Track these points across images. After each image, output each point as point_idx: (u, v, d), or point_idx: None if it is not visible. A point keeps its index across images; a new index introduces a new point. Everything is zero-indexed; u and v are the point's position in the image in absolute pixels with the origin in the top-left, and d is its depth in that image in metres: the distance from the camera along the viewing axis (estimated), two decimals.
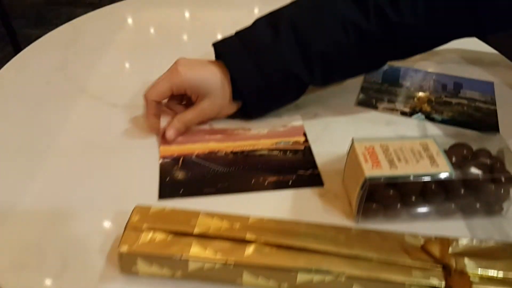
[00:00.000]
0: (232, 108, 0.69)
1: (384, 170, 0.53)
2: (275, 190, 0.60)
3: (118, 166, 0.63)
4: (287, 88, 0.68)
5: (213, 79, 0.65)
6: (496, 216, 0.57)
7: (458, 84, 0.80)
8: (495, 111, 0.74)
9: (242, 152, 0.65)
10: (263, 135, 0.68)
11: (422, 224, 0.55)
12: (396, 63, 0.84)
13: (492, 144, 0.58)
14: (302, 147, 0.66)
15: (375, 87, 0.79)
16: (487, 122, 0.72)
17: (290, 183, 0.61)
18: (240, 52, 0.65)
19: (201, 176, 0.62)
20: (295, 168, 0.63)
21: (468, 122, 0.72)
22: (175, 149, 0.65)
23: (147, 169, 0.63)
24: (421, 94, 0.77)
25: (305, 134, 0.68)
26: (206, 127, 0.69)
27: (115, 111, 0.72)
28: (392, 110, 0.74)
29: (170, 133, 0.65)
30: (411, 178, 0.52)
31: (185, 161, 0.64)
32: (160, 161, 0.63)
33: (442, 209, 0.56)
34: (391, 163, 0.54)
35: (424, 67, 0.84)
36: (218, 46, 0.68)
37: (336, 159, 0.63)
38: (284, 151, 0.66)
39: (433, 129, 0.70)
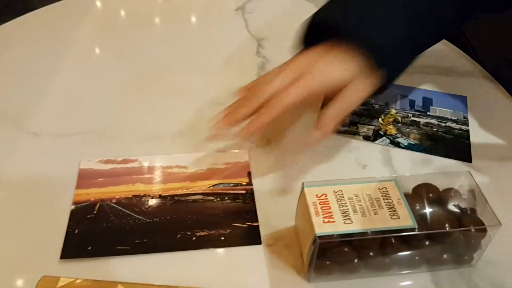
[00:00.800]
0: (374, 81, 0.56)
1: (337, 225, 0.45)
2: (204, 249, 0.50)
3: (21, 213, 0.53)
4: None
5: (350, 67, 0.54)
6: (466, 266, 0.50)
7: (428, 100, 0.69)
8: (467, 132, 0.64)
9: (173, 196, 0.55)
10: (200, 174, 0.58)
11: (383, 280, 0.49)
12: None
13: (462, 181, 0.50)
14: (243, 191, 0.56)
15: None
16: (458, 148, 0.62)
17: (222, 238, 0.51)
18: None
19: (118, 228, 0.52)
20: (232, 219, 0.53)
21: (437, 149, 0.62)
22: (93, 192, 0.55)
23: (55, 218, 0.53)
24: (386, 113, 0.67)
25: (249, 174, 0.58)
26: (135, 164, 0.59)
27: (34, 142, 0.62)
28: (354, 134, 0.63)
29: (326, 130, 0.53)
30: (368, 233, 0.45)
31: (102, 208, 0.54)
32: (72, 207, 0.54)
33: (404, 262, 0.49)
34: (345, 215, 0.46)
35: None
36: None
37: (288, 197, 0.55)
38: (222, 195, 0.56)
39: (398, 156, 0.60)
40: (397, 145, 0.62)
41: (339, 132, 0.63)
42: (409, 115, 0.66)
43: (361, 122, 0.65)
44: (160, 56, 0.76)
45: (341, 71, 0.54)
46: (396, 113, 0.66)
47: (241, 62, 0.76)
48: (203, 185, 0.57)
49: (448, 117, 0.66)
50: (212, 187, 0.57)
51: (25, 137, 0.63)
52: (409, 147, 0.62)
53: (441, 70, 0.74)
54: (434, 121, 0.66)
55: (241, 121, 0.54)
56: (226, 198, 0.55)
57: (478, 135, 0.64)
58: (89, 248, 0.50)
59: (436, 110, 0.68)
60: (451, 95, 0.70)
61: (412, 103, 0.68)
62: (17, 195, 0.56)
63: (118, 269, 0.48)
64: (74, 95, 0.69)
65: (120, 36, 0.82)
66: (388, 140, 0.63)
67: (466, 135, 0.64)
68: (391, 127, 0.65)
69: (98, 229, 0.52)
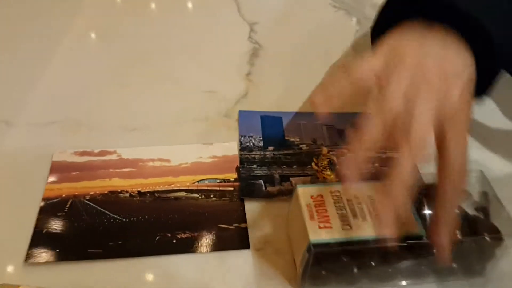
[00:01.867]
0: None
1: (334, 232, 0.40)
2: (186, 253, 0.45)
3: None
4: None
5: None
6: (477, 277, 0.44)
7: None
8: None
9: (153, 193, 0.50)
10: (184, 169, 0.53)
11: None
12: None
13: (473, 181, 0.44)
14: (231, 188, 0.51)
15: (257, 156, 0.55)
16: None
17: (207, 241, 0.46)
18: None
19: (91, 228, 0.47)
20: (217, 219, 0.48)
21: None
22: (65, 187, 0.50)
23: (22, 215, 0.48)
24: (317, 154, 0.55)
25: (238, 169, 0.53)
26: (113, 157, 0.54)
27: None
28: (290, 193, 0.46)
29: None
30: (370, 242, 0.39)
31: (74, 206, 0.49)
32: (41, 203, 0.48)
33: (409, 272, 0.44)
34: (343, 220, 0.40)
35: (288, 91, 0.62)
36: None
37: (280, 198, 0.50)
38: (207, 193, 0.51)
39: None
40: None
41: (271, 196, 0.50)
42: (344, 151, 0.53)
43: (293, 174, 0.53)
44: (147, 41, 0.71)
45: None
46: (329, 152, 0.56)
47: (232, 47, 0.70)
48: (187, 181, 0.51)
49: None
50: (196, 183, 0.51)
51: None
52: None
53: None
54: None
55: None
56: (211, 196, 0.50)
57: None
58: (57, 250, 0.45)
59: None
60: None
61: (342, 133, 0.57)
62: None
63: (89, 275, 0.43)
64: (51, 81, 0.63)
65: (105, 20, 0.76)
66: None
67: None
68: (328, 173, 0.53)
69: (69, 229, 0.46)
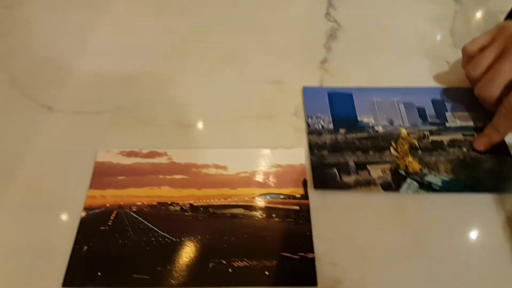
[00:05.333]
0: None
1: None
2: (242, 287, 0.39)
3: (20, 216, 0.43)
4: None
5: None
6: None
7: (439, 104, 0.52)
8: (507, 149, 0.48)
9: (207, 208, 0.44)
10: (242, 179, 0.46)
11: None
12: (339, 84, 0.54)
13: None
14: (297, 207, 0.44)
15: (327, 140, 0.49)
16: (505, 172, 0.46)
17: (267, 273, 0.39)
18: None
19: (137, 247, 0.41)
20: (280, 246, 0.41)
21: (481, 181, 0.45)
22: (109, 195, 0.45)
23: (60, 227, 0.42)
24: (396, 137, 0.49)
25: (305, 183, 0.45)
26: (163, 160, 0.47)
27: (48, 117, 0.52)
28: (369, 183, 0.45)
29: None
30: None
31: (119, 218, 0.43)
32: (83, 214, 0.43)
33: None
34: None
35: (371, 83, 0.54)
36: None
37: (358, 220, 0.42)
38: (269, 211, 0.44)
39: (437, 206, 0.44)
40: (429, 187, 0.45)
41: (347, 187, 0.45)
42: (425, 133, 0.49)
43: (370, 160, 0.47)
44: (207, 17, 0.62)
45: None
46: (408, 134, 0.49)
47: (306, 27, 0.61)
48: (246, 195, 0.45)
49: (473, 125, 0.50)
50: (257, 198, 0.44)
51: (37, 110, 0.52)
52: (445, 186, 0.45)
53: (436, 51, 0.56)
54: (459, 136, 0.49)
55: None
56: (273, 215, 0.43)
57: None
58: (98, 273, 0.39)
59: (455, 117, 0.51)
60: (464, 90, 0.53)
61: (422, 113, 0.51)
62: (15, 191, 0.45)
63: None
64: (100, 65, 0.57)
65: None
66: (416, 184, 0.45)
67: (504, 147, 0.48)
68: (410, 159, 0.47)
69: (112, 248, 0.41)
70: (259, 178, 0.46)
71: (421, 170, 0.46)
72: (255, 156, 0.47)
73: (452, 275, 0.39)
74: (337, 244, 0.41)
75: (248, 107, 0.52)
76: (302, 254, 0.41)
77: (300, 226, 0.42)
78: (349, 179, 0.45)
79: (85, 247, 0.41)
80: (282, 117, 0.51)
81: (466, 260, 0.40)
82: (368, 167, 0.46)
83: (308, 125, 0.50)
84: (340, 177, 0.45)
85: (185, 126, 0.50)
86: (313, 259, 0.40)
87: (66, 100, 0.53)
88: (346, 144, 0.48)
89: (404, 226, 0.42)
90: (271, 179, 0.46)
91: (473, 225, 0.42)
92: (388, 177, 0.46)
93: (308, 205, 0.44)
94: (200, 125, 0.50)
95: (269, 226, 0.43)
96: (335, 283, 0.39)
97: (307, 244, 0.41)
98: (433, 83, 0.54)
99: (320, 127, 0.50)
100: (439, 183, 0.45)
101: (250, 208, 0.44)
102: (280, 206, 0.44)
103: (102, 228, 0.42)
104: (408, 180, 0.45)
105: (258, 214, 0.43)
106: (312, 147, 0.48)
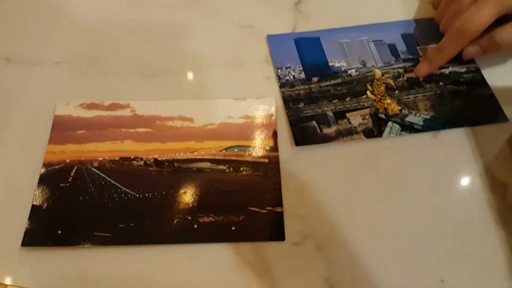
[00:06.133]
0: None
1: None
2: (208, 242, 0.38)
3: None
4: None
5: None
6: None
7: (409, 38, 0.50)
8: (480, 73, 0.47)
9: (172, 162, 0.42)
10: (209, 131, 0.44)
11: None
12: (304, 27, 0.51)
13: None
14: (265, 159, 0.42)
15: (301, 91, 0.46)
16: (483, 104, 0.45)
17: (233, 228, 0.38)
18: None
19: (98, 204, 0.39)
20: (247, 200, 0.40)
21: (462, 116, 0.44)
22: (70, 150, 0.42)
23: (18, 184, 0.41)
24: (371, 78, 0.47)
25: (275, 134, 0.44)
26: (126, 112, 0.45)
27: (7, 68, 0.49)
28: (351, 133, 0.43)
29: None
30: None
31: (79, 174, 0.41)
32: (42, 170, 0.41)
33: None
34: None
35: (335, 23, 0.51)
36: None
37: (330, 173, 0.41)
38: (237, 164, 0.42)
39: (418, 148, 0.43)
40: (411, 128, 0.44)
41: (329, 139, 0.43)
42: (400, 71, 0.47)
43: (348, 108, 0.45)
44: None
45: None
46: (383, 75, 0.47)
47: None
48: (213, 148, 0.43)
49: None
50: (224, 151, 0.43)
51: None
52: (427, 125, 0.43)
53: None
54: (437, 73, 0.47)
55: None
56: (241, 169, 0.42)
57: (496, 78, 0.46)
58: (59, 232, 0.38)
59: (428, 50, 0.49)
60: (433, 20, 0.50)
61: (393, 50, 0.49)
62: None
63: (94, 264, 0.37)
64: (59, 13, 0.53)
65: None
66: (397, 126, 0.44)
67: (480, 78, 0.46)
68: (388, 101, 0.45)
69: (73, 205, 0.39)
70: (227, 130, 0.44)
71: (400, 111, 0.45)
72: (223, 107, 0.45)
73: (432, 222, 0.38)
74: (307, 198, 0.40)
75: (216, 54, 0.49)
76: (270, 208, 0.39)
77: (269, 180, 0.41)
78: (329, 130, 0.43)
79: (45, 205, 0.39)
80: (252, 64, 0.48)
81: (446, 197, 0.39)
82: (347, 115, 0.44)
83: (279, 78, 0.47)
84: (320, 129, 0.43)
85: (148, 76, 0.47)
86: (281, 213, 0.39)
87: (25, 50, 0.49)
88: (321, 93, 0.46)
89: (380, 174, 0.41)
90: (240, 131, 0.44)
91: (457, 161, 0.41)
92: (369, 123, 0.44)
93: (277, 158, 0.42)
94: (164, 75, 0.48)
95: (237, 180, 0.41)
96: (304, 237, 0.38)
97: (276, 198, 0.40)
98: (401, 16, 0.51)
99: (292, 77, 0.47)
100: (421, 123, 0.44)
101: (217, 161, 0.42)
102: (249, 159, 0.42)
103: (62, 185, 0.40)
104: (389, 124, 0.44)
105: (225, 167, 0.42)
106: (287, 101, 0.46)
